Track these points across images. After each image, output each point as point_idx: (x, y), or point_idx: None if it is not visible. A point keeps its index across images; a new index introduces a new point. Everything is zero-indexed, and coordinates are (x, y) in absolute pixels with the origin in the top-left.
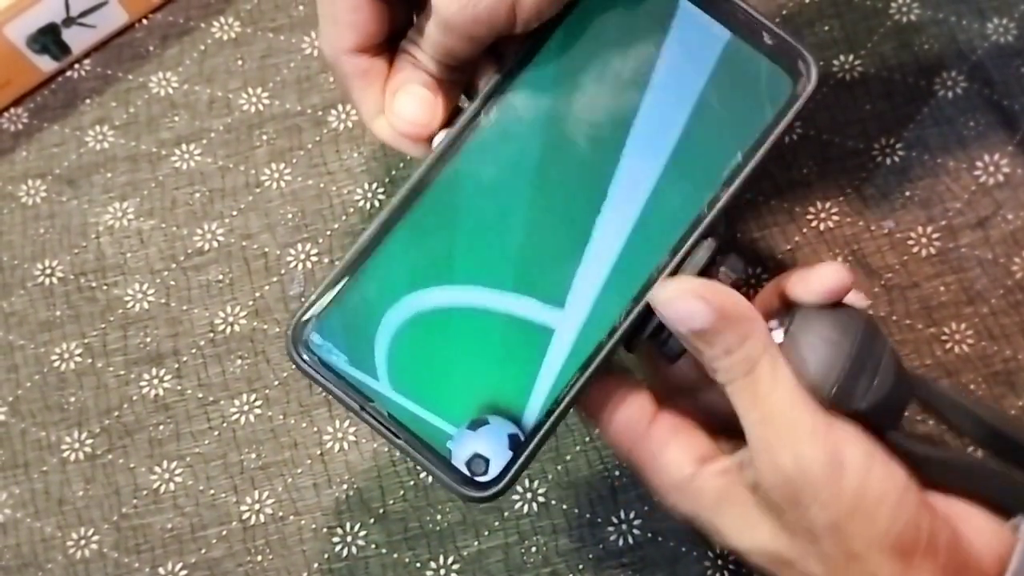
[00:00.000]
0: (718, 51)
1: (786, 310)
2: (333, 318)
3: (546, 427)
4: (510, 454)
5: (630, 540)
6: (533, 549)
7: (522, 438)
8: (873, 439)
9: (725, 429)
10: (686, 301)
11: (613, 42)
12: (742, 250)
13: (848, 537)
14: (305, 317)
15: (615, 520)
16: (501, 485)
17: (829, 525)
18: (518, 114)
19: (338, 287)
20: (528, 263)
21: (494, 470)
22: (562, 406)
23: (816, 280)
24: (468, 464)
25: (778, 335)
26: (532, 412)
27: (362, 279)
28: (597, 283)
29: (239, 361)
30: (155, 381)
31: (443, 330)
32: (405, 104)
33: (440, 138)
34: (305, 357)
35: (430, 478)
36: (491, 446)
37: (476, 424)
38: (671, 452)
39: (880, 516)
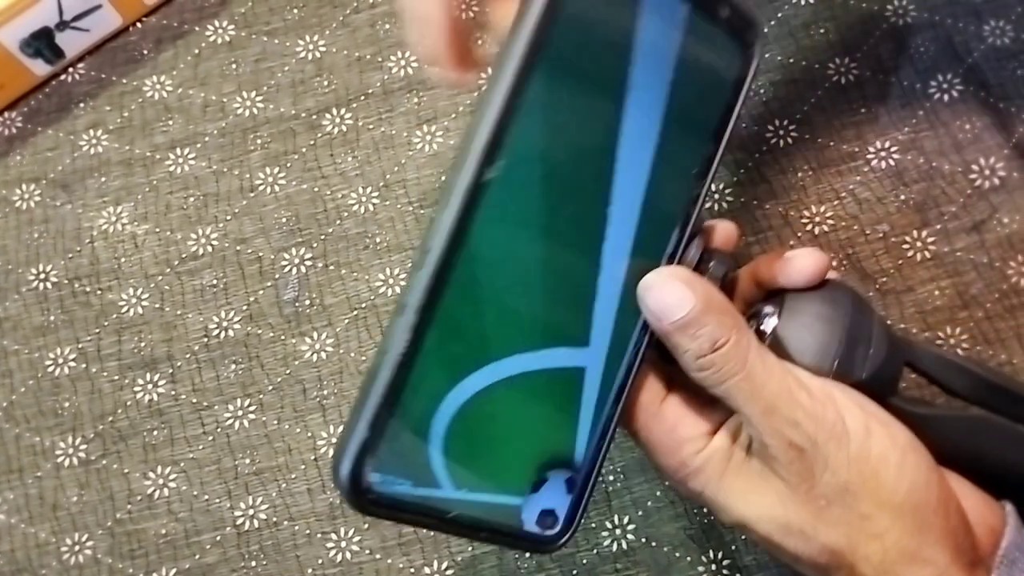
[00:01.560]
0: (683, 32)
1: (769, 296)
2: (384, 451)
3: (598, 461)
4: (570, 497)
5: (624, 545)
6: (527, 554)
7: (578, 481)
8: (874, 404)
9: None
10: (670, 287)
11: (588, 60)
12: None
13: (857, 499)
14: (353, 463)
15: (609, 525)
16: (571, 530)
17: (840, 489)
18: (512, 169)
19: (377, 421)
20: (552, 314)
21: (560, 518)
22: (608, 437)
23: (797, 267)
24: (539, 524)
25: (771, 320)
26: (581, 451)
27: (404, 402)
28: (613, 308)
29: (233, 366)
30: (149, 386)
31: (488, 411)
32: None
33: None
34: (373, 499)
35: (506, 549)
36: (554, 498)
37: (537, 485)
38: (681, 430)
39: (885, 476)
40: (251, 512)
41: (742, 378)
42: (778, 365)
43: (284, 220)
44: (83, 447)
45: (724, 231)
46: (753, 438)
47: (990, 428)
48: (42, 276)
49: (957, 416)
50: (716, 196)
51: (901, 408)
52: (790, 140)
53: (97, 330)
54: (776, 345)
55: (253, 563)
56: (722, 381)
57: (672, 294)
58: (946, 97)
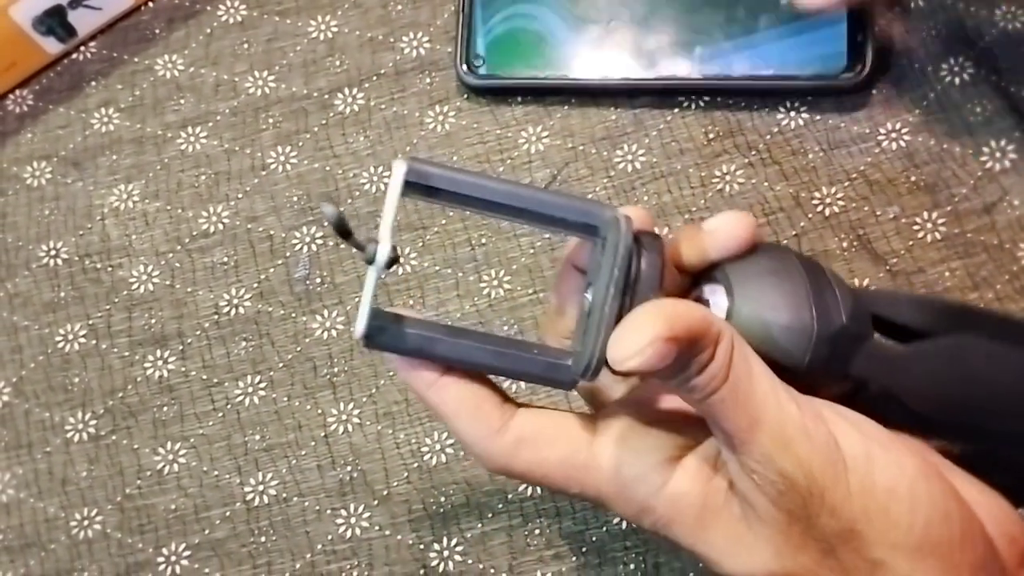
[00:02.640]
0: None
1: (702, 277)
2: None
3: None
4: None
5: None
6: (536, 531)
7: None
8: (871, 424)
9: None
10: (654, 348)
11: None
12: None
13: (868, 543)
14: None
15: None
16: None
17: (843, 531)
18: None
19: None
20: None
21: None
22: None
23: (728, 233)
24: None
25: (720, 299)
26: None
27: None
28: None
29: (243, 343)
30: (159, 362)
31: None
32: None
33: None
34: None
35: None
36: None
37: None
38: (627, 467)
39: (896, 512)
40: (261, 488)
41: (727, 389)
42: (763, 370)
43: (295, 199)
44: (93, 423)
45: (639, 218)
46: (732, 469)
47: (975, 348)
48: (52, 253)
49: (942, 344)
50: (728, 178)
51: (882, 352)
52: (801, 121)
53: (108, 307)
54: (739, 324)
55: (263, 539)
56: (704, 396)
57: (653, 354)
58: (957, 80)
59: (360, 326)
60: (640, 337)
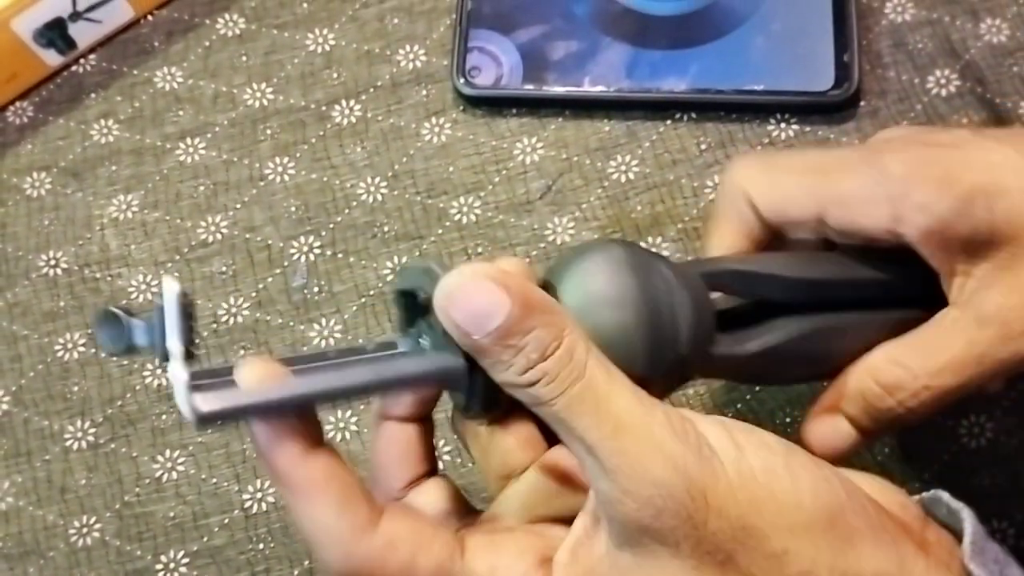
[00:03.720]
0: None
1: None
2: None
3: None
4: None
5: None
6: None
7: None
8: (720, 417)
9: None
10: (478, 290)
11: None
12: None
13: (764, 536)
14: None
15: None
16: None
17: (736, 531)
18: None
19: None
20: None
21: None
22: None
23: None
24: None
25: None
26: None
27: None
28: None
29: (242, 352)
30: (158, 371)
31: None
32: None
33: None
34: None
35: None
36: None
37: None
38: (502, 573)
39: (781, 492)
40: (259, 495)
41: (583, 386)
42: (620, 373)
43: (293, 209)
44: (92, 431)
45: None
46: (604, 506)
47: (836, 328)
48: (52, 263)
49: (797, 332)
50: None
51: (731, 355)
52: (791, 133)
53: None
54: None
55: (261, 545)
56: (558, 393)
57: (482, 298)
58: (943, 92)
59: (184, 404)
60: (469, 271)
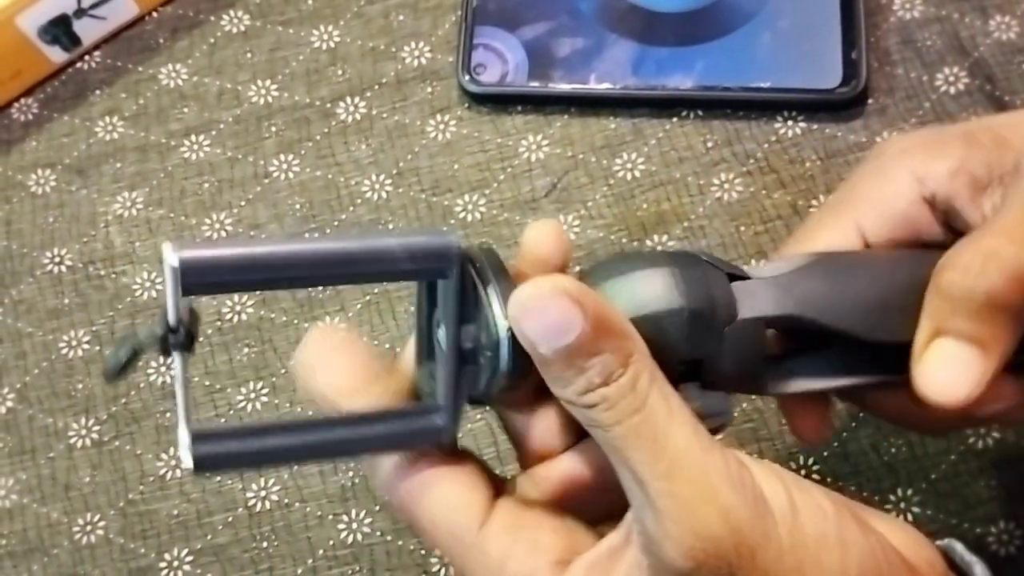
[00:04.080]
0: None
1: None
2: None
3: None
4: None
5: None
6: None
7: None
8: (777, 465)
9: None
10: (554, 305)
11: None
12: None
13: None
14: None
15: None
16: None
17: None
18: None
19: None
20: None
21: None
22: None
23: (535, 241)
24: None
25: None
26: None
27: None
28: None
29: (246, 349)
30: (162, 368)
31: None
32: None
33: None
34: None
35: None
36: None
37: None
38: (515, 565)
39: (829, 562)
40: (263, 493)
41: (642, 419)
42: (683, 410)
43: (298, 206)
44: (96, 428)
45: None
46: (643, 539)
47: (892, 383)
48: (57, 260)
49: (848, 385)
50: (726, 186)
51: (771, 391)
52: (798, 131)
53: (111, 313)
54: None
55: (264, 544)
56: (614, 421)
57: (557, 313)
58: (952, 90)
59: (187, 455)
60: (548, 283)
